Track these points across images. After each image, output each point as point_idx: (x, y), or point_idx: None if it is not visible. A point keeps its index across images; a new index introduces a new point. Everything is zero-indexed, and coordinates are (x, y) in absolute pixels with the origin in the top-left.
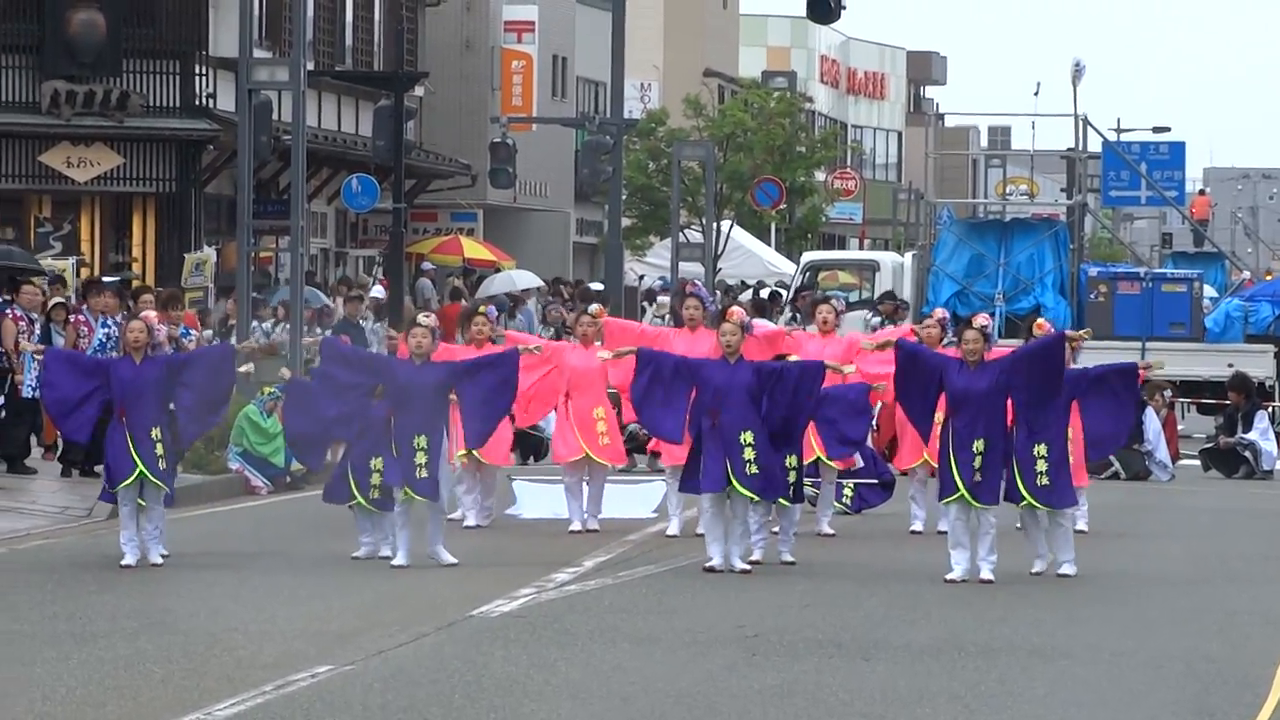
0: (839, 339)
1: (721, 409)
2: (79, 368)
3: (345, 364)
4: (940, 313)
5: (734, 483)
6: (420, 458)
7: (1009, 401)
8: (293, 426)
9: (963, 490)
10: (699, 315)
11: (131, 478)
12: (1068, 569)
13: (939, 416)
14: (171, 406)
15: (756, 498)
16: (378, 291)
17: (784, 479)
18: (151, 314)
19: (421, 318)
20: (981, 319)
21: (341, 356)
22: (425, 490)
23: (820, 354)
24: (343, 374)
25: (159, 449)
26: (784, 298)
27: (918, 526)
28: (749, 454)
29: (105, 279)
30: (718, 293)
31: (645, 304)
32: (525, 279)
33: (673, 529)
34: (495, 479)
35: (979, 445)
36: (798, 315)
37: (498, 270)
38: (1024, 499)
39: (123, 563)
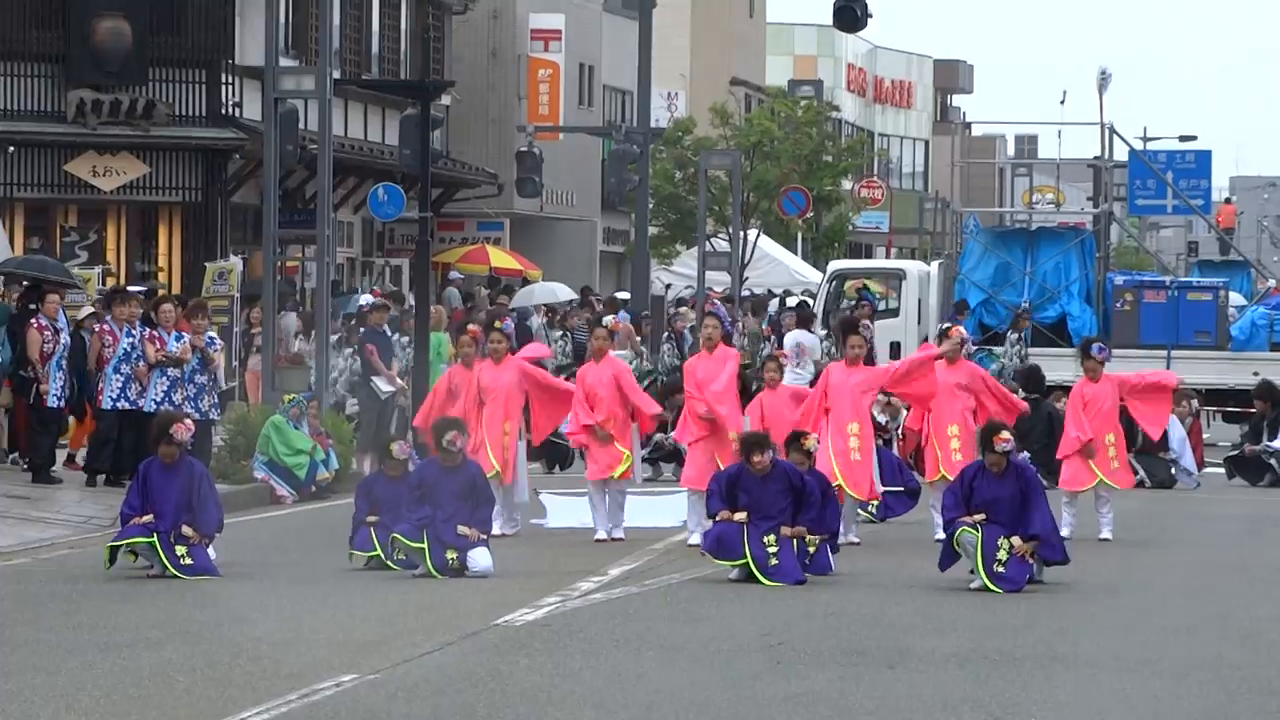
0: (866, 369)
1: (752, 515)
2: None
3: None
4: (959, 332)
5: (756, 572)
6: (451, 553)
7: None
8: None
9: (982, 576)
10: (717, 335)
11: (138, 539)
12: None
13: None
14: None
15: (778, 584)
16: (366, 299)
17: (801, 561)
18: (184, 430)
19: (447, 444)
20: (1003, 442)
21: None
22: (450, 574)
23: (845, 384)
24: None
25: (179, 549)
26: (810, 306)
27: (942, 535)
28: (772, 548)
29: (132, 288)
30: (739, 313)
31: (674, 310)
32: (561, 291)
33: (694, 539)
34: (516, 490)
35: (1004, 544)
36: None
37: (525, 280)
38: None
39: (150, 572)
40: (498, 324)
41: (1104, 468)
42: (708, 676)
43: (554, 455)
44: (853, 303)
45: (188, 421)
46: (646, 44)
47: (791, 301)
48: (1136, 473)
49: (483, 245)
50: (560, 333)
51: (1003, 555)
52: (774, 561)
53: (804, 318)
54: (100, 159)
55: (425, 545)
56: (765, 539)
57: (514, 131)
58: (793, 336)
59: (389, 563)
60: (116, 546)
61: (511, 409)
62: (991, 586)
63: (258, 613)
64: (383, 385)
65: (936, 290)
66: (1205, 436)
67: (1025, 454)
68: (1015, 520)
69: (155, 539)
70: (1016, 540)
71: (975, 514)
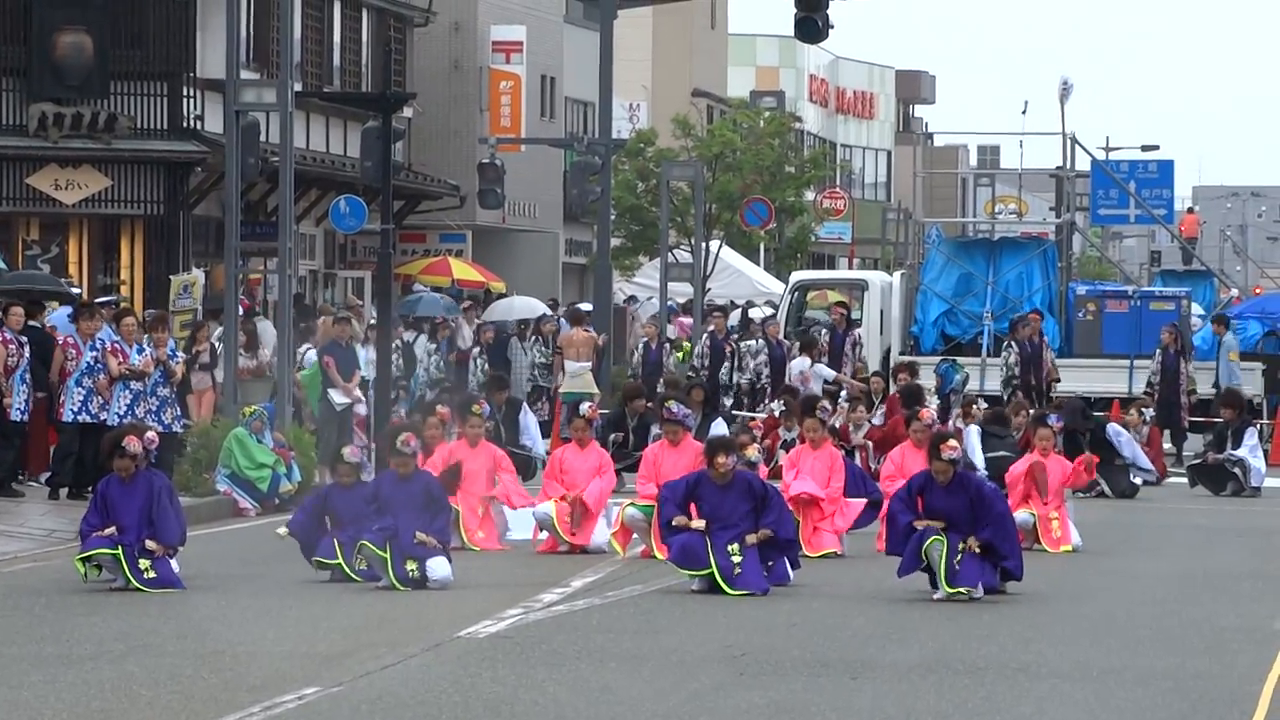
0: (827, 451)
1: (712, 525)
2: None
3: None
4: (927, 414)
5: (720, 582)
6: (411, 564)
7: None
8: (298, 526)
9: (943, 582)
10: (680, 432)
11: (102, 550)
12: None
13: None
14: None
15: (742, 593)
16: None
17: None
18: (137, 443)
19: (400, 445)
20: (950, 450)
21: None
22: (411, 585)
23: (810, 470)
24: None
25: (143, 563)
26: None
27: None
28: (736, 557)
29: (100, 300)
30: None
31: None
32: (539, 308)
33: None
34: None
35: (962, 546)
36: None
37: (488, 292)
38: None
39: (113, 585)
40: (475, 408)
41: None
42: (671, 688)
43: (521, 465)
44: (826, 327)
45: (149, 434)
46: (608, 55)
47: (755, 313)
48: (1084, 492)
49: (445, 257)
50: (535, 339)
51: (958, 560)
52: (738, 571)
53: (807, 344)
54: (62, 172)
55: (389, 555)
56: (729, 548)
57: (476, 143)
58: (798, 364)
59: (350, 573)
60: (87, 558)
61: (485, 488)
62: (948, 588)
63: (220, 625)
64: (337, 398)
65: (899, 301)
66: (1167, 446)
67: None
68: (968, 530)
69: (120, 551)
70: (971, 540)
71: (934, 520)
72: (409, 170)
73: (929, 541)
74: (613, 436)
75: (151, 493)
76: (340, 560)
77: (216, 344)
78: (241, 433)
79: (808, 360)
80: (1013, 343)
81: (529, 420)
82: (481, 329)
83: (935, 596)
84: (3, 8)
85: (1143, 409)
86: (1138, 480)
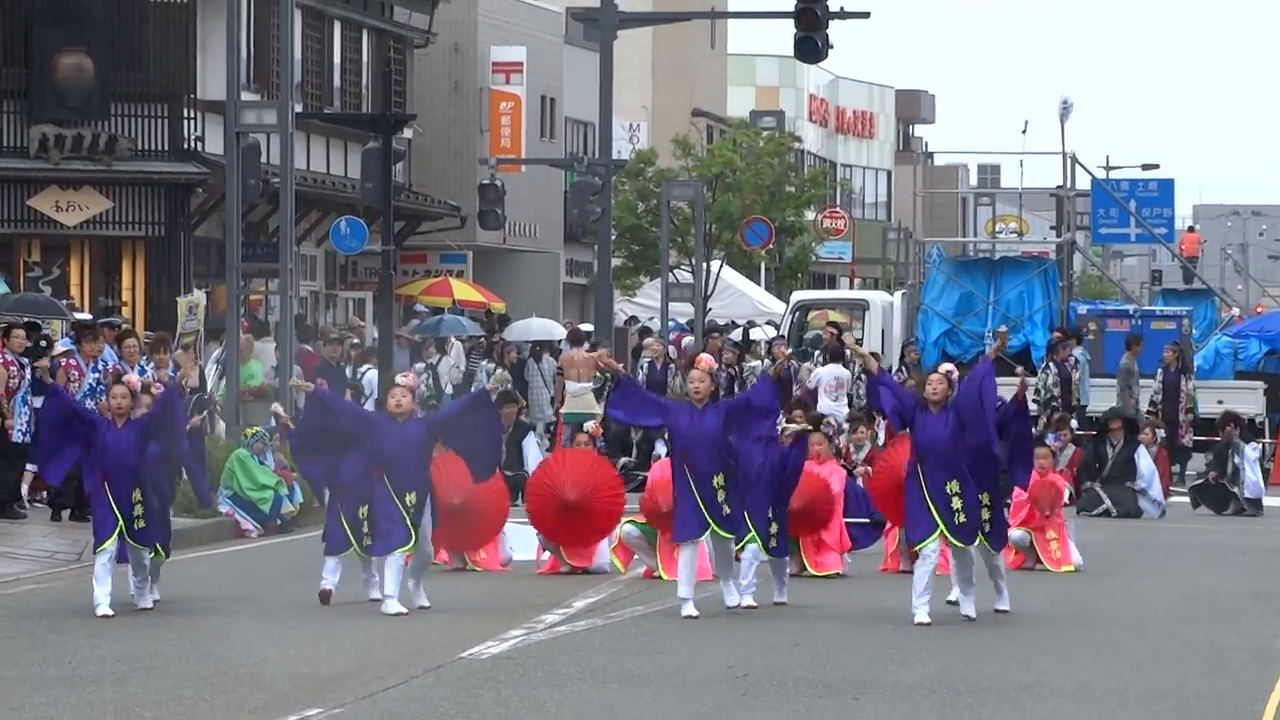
0: (830, 466)
1: (690, 453)
2: (70, 422)
3: (337, 414)
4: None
5: (711, 524)
6: (409, 515)
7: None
8: (307, 469)
9: (943, 529)
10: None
11: (110, 539)
12: (1001, 604)
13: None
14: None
15: (733, 537)
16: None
17: (759, 529)
18: (134, 378)
19: (399, 378)
20: (946, 365)
21: (331, 409)
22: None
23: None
24: (336, 424)
25: (137, 510)
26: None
27: (908, 566)
28: (721, 495)
29: (101, 320)
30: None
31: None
32: (556, 329)
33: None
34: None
35: (953, 487)
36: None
37: (489, 313)
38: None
39: (99, 613)
40: None
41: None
42: (674, 709)
43: (515, 485)
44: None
45: (154, 381)
46: (608, 76)
47: (756, 333)
48: (1087, 509)
49: (446, 278)
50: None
51: (957, 504)
52: (726, 510)
53: (835, 352)
54: (63, 194)
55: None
56: (714, 481)
57: (476, 164)
58: (829, 371)
59: (359, 551)
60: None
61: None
62: (955, 542)
63: (223, 646)
64: None
65: (900, 320)
66: (1173, 469)
67: None
68: (955, 462)
69: (120, 525)
70: (954, 484)
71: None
72: (409, 191)
73: (924, 542)
74: (623, 461)
75: (143, 434)
76: (354, 545)
77: (213, 365)
78: (243, 454)
79: (842, 369)
80: (1051, 364)
81: (533, 448)
82: (505, 350)
83: (916, 621)
84: (3, 29)
85: (1157, 429)
86: (1145, 508)
